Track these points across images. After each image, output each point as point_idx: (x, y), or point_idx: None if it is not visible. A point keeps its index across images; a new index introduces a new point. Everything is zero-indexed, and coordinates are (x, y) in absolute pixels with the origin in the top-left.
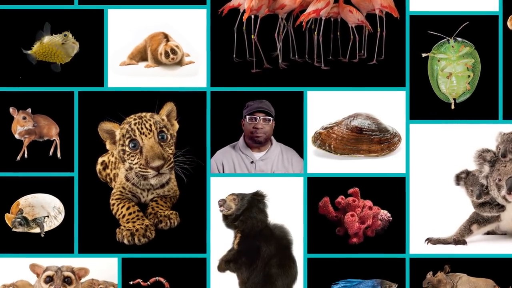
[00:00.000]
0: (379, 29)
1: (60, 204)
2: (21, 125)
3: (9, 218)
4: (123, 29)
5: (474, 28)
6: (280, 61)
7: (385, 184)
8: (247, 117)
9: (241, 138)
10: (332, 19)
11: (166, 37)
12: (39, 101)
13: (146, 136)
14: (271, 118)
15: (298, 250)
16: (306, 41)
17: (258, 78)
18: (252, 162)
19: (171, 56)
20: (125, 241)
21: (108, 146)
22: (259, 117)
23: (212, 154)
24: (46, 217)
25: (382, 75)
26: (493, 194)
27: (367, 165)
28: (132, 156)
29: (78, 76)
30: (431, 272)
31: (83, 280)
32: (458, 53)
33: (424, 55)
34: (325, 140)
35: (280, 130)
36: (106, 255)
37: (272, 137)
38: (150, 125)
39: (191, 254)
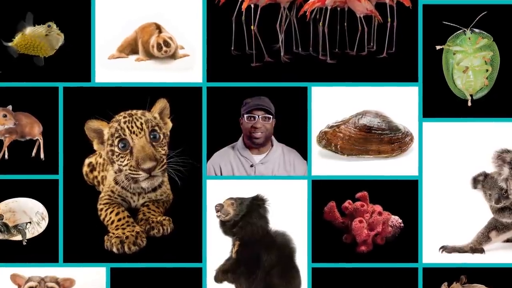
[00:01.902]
0: (389, 20)
1: (44, 209)
2: (1, 123)
3: None
4: (112, 20)
5: (492, 19)
6: (282, 54)
7: (396, 188)
8: (245, 115)
9: (240, 139)
10: (338, 9)
11: (159, 28)
12: (21, 97)
13: (136, 135)
14: (271, 116)
15: (302, 259)
16: (311, 32)
17: (258, 73)
18: (251, 166)
19: (164, 48)
20: (114, 250)
21: (95, 147)
22: (258, 116)
23: (209, 155)
24: (29, 224)
25: (392, 70)
26: None
27: (377, 166)
28: (122, 157)
29: (63, 71)
30: (446, 283)
31: None
32: (475, 45)
33: (438, 47)
34: (331, 140)
35: (282, 129)
36: (93, 264)
37: (273, 138)
38: (141, 124)
39: (186, 264)
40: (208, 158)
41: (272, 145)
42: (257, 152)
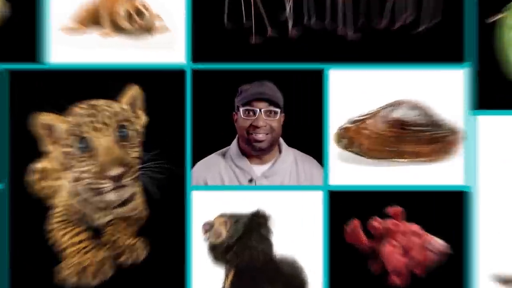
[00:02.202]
0: None
1: None
2: None
3: None
4: None
5: None
6: (290, 27)
7: (439, 201)
8: (241, 109)
9: (234, 142)
10: None
11: None
12: None
13: (100, 132)
14: (278, 110)
15: None
16: None
17: (258, 51)
18: (251, 181)
19: (136, 19)
20: (72, 281)
21: (46, 147)
22: (259, 109)
23: (194, 158)
24: None
25: (433, 47)
26: None
27: (413, 173)
28: (81, 162)
29: (7, 49)
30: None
31: None
32: None
33: (492, 19)
34: (354, 139)
35: (290, 125)
36: None
37: (282, 141)
38: (107, 118)
39: None
40: (194, 162)
41: (280, 152)
42: (259, 162)
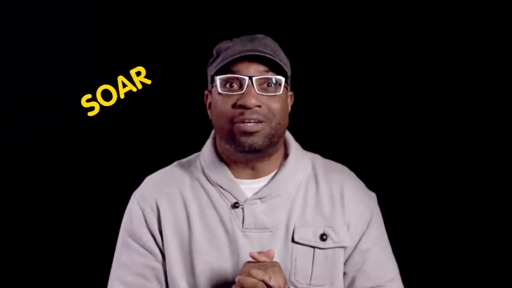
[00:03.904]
0: None
1: None
2: None
3: None
4: None
5: None
6: None
7: None
8: (218, 79)
9: (208, 144)
10: None
11: None
12: None
13: None
14: (282, 80)
15: None
16: None
17: None
18: (236, 207)
19: None
20: None
21: None
22: (249, 77)
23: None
24: None
25: None
26: None
27: None
28: None
29: None
30: None
31: None
32: None
33: None
34: None
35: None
36: None
37: (289, 136)
38: None
39: None
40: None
41: (286, 155)
42: (250, 174)
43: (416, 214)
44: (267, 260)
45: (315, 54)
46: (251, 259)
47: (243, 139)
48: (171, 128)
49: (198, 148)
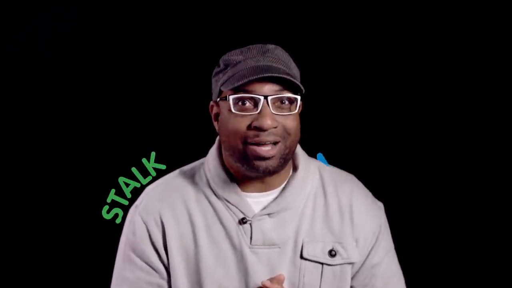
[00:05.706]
0: None
1: None
2: None
3: None
4: None
5: None
6: None
7: None
8: (231, 97)
9: (213, 153)
10: None
11: None
12: None
13: None
14: (298, 98)
15: None
16: None
17: None
18: (244, 222)
19: None
20: None
21: None
22: (265, 97)
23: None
24: None
25: None
26: None
27: None
28: None
29: None
30: None
31: None
32: None
33: None
34: None
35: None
36: None
37: (299, 149)
38: None
39: None
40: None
41: (295, 169)
42: (258, 187)
43: (419, 217)
44: (279, 287)
45: (315, 55)
46: (258, 278)
47: (258, 163)
48: (171, 128)
49: (201, 153)
